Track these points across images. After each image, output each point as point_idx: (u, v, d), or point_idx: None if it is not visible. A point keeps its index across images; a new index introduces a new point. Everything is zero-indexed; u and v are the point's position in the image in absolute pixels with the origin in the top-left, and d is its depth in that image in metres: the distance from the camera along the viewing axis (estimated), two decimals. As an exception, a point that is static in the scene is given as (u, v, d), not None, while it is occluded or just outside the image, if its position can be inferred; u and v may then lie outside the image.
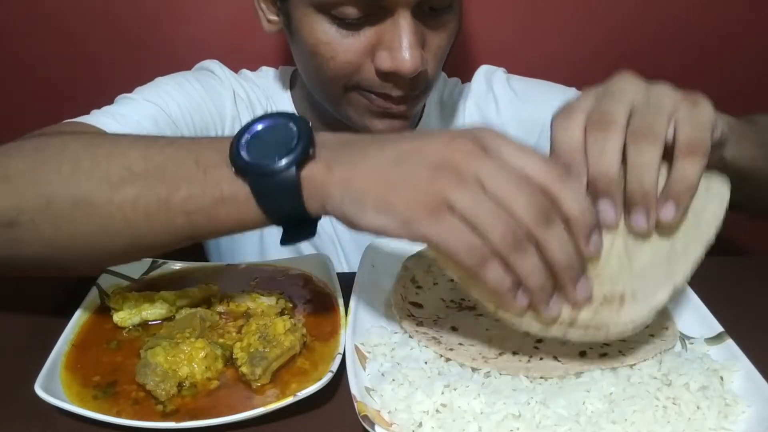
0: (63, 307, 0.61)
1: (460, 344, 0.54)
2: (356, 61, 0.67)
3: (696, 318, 0.58)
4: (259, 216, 0.48)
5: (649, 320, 0.48)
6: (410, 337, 0.56)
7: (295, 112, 0.86)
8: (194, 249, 0.95)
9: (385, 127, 0.72)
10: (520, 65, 0.96)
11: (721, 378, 0.51)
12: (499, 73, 0.91)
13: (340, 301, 0.60)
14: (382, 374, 0.52)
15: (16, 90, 1.08)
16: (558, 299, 0.47)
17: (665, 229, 0.49)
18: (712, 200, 0.50)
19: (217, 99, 0.82)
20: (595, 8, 1.06)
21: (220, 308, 0.62)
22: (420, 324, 0.57)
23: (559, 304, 0.47)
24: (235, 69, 0.89)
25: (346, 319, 0.57)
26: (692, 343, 0.56)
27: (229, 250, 0.90)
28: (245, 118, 0.81)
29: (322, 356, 0.56)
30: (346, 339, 0.54)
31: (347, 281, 0.62)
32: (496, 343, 0.55)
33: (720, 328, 0.55)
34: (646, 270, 0.49)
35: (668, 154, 0.48)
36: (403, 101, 0.70)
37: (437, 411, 0.48)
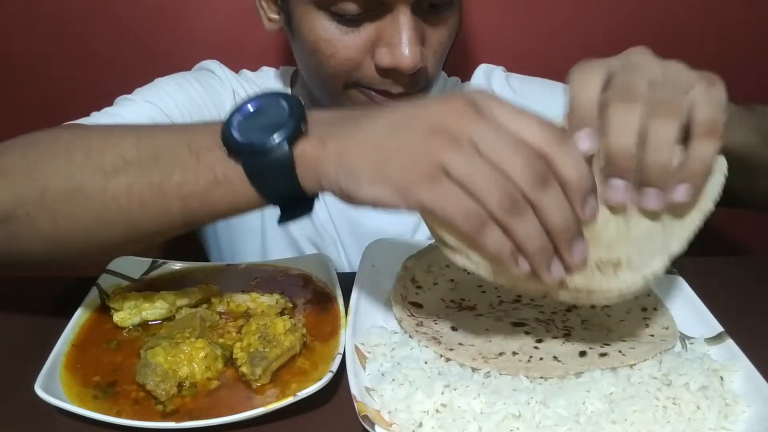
0: (63, 307, 0.61)
1: (460, 344, 0.54)
2: (356, 57, 0.67)
3: (696, 318, 0.58)
4: (254, 197, 0.48)
5: (640, 290, 0.47)
6: (410, 337, 0.56)
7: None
8: (194, 249, 0.95)
9: None
10: (519, 64, 0.96)
11: (721, 378, 0.51)
12: (498, 71, 0.91)
13: (340, 301, 0.60)
14: (382, 374, 0.52)
15: (16, 90, 1.08)
16: (557, 263, 0.46)
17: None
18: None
19: (217, 99, 0.82)
20: (594, 7, 1.06)
21: (220, 308, 0.62)
22: (420, 324, 0.57)
23: (559, 267, 0.46)
24: (236, 69, 0.89)
25: (346, 319, 0.57)
26: (692, 343, 0.56)
27: (229, 250, 0.90)
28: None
29: (322, 356, 0.56)
30: (346, 339, 0.54)
31: (347, 281, 0.62)
32: (496, 343, 0.55)
33: (720, 328, 0.55)
34: (642, 238, 0.48)
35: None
36: (403, 98, 0.70)
37: (437, 411, 0.48)
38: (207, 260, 0.93)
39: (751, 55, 1.09)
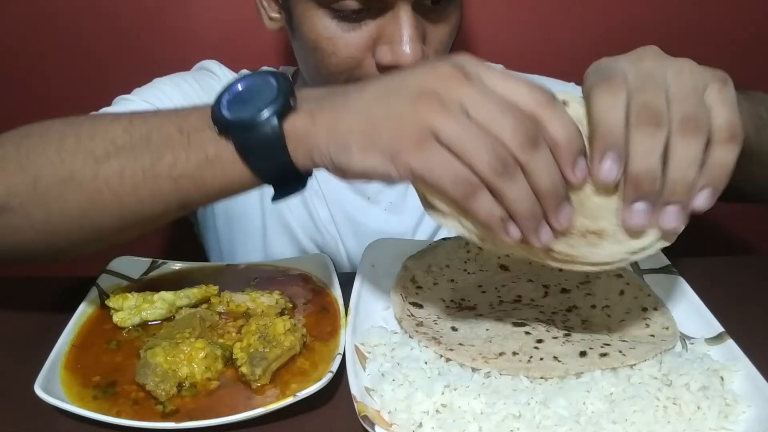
0: (63, 307, 0.61)
1: (460, 344, 0.54)
2: (357, 55, 0.67)
3: (696, 318, 0.58)
4: (246, 175, 0.48)
5: (621, 264, 0.47)
6: (410, 337, 0.56)
7: None
8: (194, 249, 0.95)
9: None
10: (517, 61, 0.96)
11: (722, 378, 0.51)
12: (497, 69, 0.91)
13: (340, 301, 0.60)
14: (382, 374, 0.52)
15: (16, 90, 1.08)
16: (546, 227, 0.45)
17: None
18: None
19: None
20: (593, 4, 1.06)
21: (220, 308, 0.62)
22: (420, 324, 0.57)
23: (548, 232, 0.45)
24: (235, 69, 0.89)
25: (346, 319, 0.57)
26: (693, 343, 0.56)
27: (229, 249, 0.90)
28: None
29: (322, 356, 0.56)
30: (346, 339, 0.54)
31: (347, 281, 0.62)
32: (496, 343, 0.55)
33: (720, 328, 0.55)
34: None
35: None
36: None
37: (437, 411, 0.48)
38: (207, 260, 0.93)
39: (751, 55, 1.09)
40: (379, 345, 0.55)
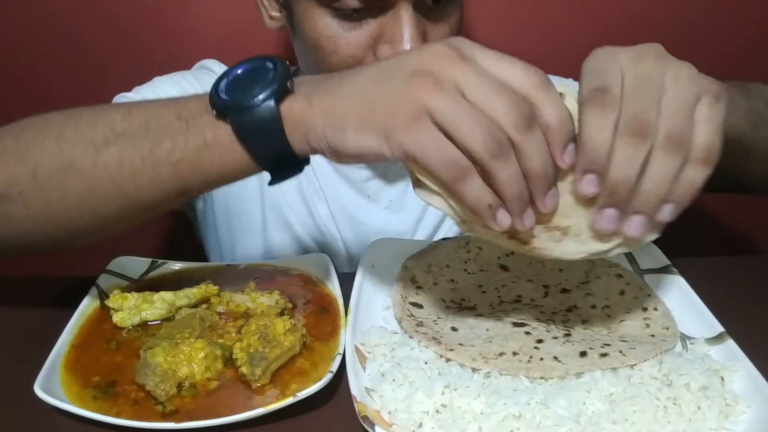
0: (63, 307, 0.61)
1: (461, 344, 0.54)
2: (358, 54, 0.67)
3: (696, 318, 0.58)
4: (244, 160, 0.48)
5: (579, 258, 0.48)
6: (410, 337, 0.56)
7: None
8: (194, 249, 0.95)
9: None
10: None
11: (722, 378, 0.51)
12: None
13: (340, 301, 0.60)
14: (382, 374, 0.52)
15: (16, 90, 1.08)
16: (530, 211, 0.46)
17: None
18: None
19: None
20: (593, 4, 1.06)
21: (220, 308, 0.62)
22: (420, 324, 0.57)
23: (531, 216, 0.46)
24: (235, 68, 0.88)
25: (346, 319, 0.57)
26: (693, 344, 0.56)
27: (229, 247, 0.90)
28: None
29: (322, 356, 0.56)
30: (346, 339, 0.54)
31: (347, 281, 0.62)
32: (496, 343, 0.55)
33: (720, 328, 0.55)
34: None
35: None
36: None
37: (437, 411, 0.48)
38: (207, 260, 0.93)
39: (751, 55, 1.09)
40: (379, 345, 0.55)
